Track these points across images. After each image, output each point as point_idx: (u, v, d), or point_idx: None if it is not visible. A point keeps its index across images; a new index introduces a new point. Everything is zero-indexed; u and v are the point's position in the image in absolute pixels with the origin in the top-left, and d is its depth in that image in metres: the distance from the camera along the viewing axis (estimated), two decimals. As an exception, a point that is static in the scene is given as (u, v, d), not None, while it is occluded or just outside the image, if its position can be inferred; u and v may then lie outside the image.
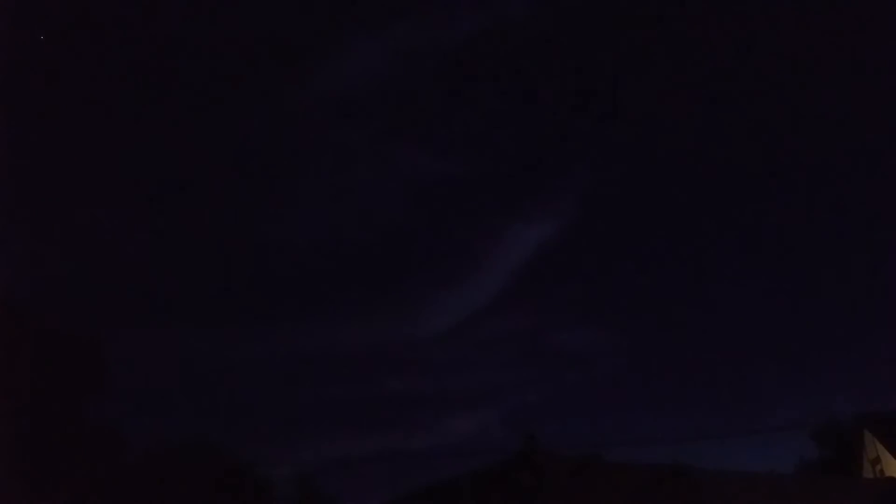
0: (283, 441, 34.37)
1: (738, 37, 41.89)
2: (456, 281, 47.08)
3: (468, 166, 46.43)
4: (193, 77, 36.13)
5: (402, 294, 47.67)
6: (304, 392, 41.44)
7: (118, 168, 33.73)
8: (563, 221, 48.44)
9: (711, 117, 44.13)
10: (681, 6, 40.08)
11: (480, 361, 46.69)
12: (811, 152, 43.10)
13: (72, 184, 29.56)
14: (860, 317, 44.56)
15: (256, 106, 40.43)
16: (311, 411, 38.67)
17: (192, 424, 24.02)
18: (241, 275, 39.57)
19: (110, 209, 32.59)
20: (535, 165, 45.64)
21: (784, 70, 41.84)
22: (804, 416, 36.85)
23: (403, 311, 47.73)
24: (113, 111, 33.09)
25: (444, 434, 43.61)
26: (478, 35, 41.83)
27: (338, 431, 38.33)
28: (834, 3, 38.06)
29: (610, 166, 45.45)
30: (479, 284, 46.22)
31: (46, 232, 24.79)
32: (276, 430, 34.01)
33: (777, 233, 45.00)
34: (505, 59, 41.67)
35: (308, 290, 43.82)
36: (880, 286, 44.65)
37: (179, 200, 36.91)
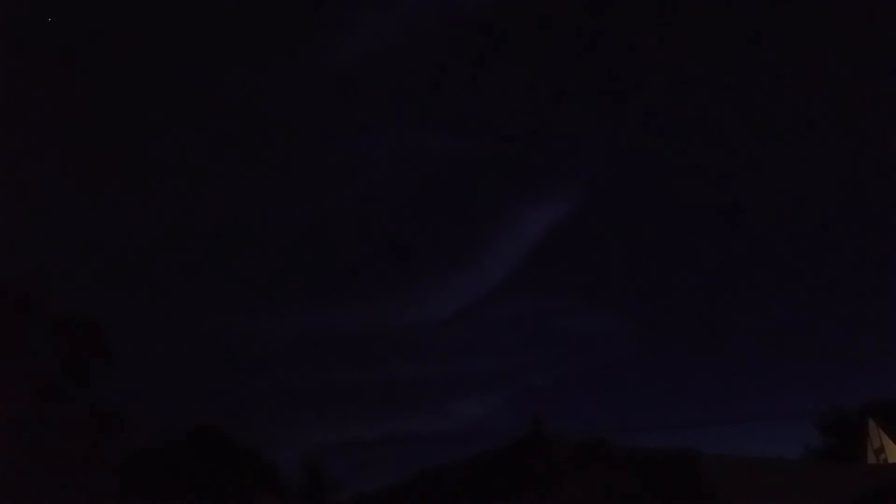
0: (289, 425, 34.54)
1: (750, 29, 41.76)
2: (464, 263, 47.01)
3: (477, 146, 46.23)
4: (198, 55, 36.11)
5: (410, 276, 47.63)
6: (310, 376, 41.50)
7: (123, 149, 33.76)
8: (572, 204, 48.32)
9: (723, 102, 43.97)
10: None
11: (488, 345, 46.72)
12: (821, 142, 42.93)
13: (76, 167, 29.60)
14: (867, 307, 44.55)
15: (261, 81, 40.25)
16: (317, 395, 38.76)
17: (198, 408, 24.17)
18: (246, 257, 39.60)
19: (116, 190, 32.64)
20: (546, 146, 45.37)
21: (791, 60, 41.70)
22: (810, 405, 36.91)
23: (411, 293, 47.73)
24: (116, 94, 33.09)
25: (451, 417, 43.69)
26: (489, 11, 41.47)
27: (344, 415, 38.41)
28: None
29: (621, 148, 45.21)
30: (488, 267, 46.14)
31: (50, 215, 24.85)
32: (283, 414, 34.17)
33: (785, 220, 44.89)
34: (516, 36, 41.38)
35: (314, 272, 43.80)
36: (888, 275, 44.60)
37: (185, 180, 36.88)
